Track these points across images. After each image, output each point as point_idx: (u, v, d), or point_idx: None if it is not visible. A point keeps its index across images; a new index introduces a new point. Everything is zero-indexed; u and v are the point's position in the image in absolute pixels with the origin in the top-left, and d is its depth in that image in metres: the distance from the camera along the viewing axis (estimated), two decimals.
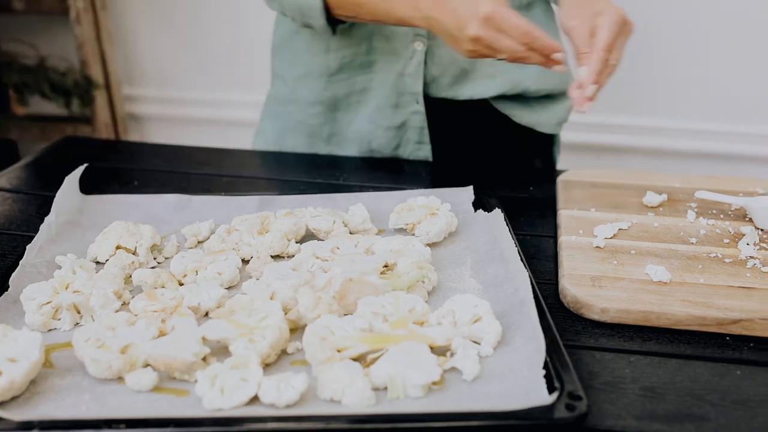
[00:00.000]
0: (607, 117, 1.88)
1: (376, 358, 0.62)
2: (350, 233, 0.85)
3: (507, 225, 0.82)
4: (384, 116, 1.11)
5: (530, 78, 1.08)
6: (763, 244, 0.83)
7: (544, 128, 1.15)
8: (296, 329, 0.69)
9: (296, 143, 1.17)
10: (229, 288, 0.76)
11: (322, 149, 1.16)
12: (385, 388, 0.60)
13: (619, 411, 0.60)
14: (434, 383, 0.61)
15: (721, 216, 0.90)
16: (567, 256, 0.80)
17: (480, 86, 1.08)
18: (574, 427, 0.56)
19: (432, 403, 0.59)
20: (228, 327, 0.64)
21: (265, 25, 1.94)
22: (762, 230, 0.86)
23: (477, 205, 0.91)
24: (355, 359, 0.63)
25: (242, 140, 1.90)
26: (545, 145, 1.20)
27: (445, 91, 1.09)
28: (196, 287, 0.73)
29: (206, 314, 0.71)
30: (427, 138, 1.12)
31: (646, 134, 1.90)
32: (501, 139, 1.15)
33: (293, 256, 0.81)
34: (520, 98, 1.11)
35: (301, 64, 1.11)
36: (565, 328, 0.71)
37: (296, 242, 0.83)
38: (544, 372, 0.60)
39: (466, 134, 1.15)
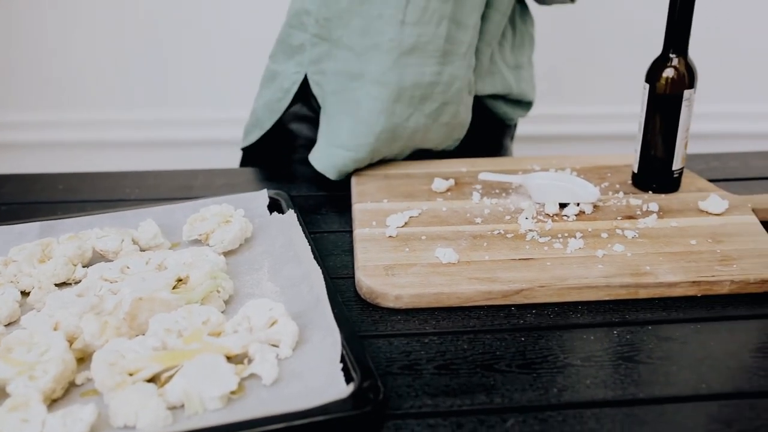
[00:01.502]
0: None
1: (171, 376, 0.60)
2: (141, 250, 0.82)
3: (301, 224, 0.83)
4: (446, 112, 1.05)
5: (516, 83, 1.14)
6: (540, 217, 0.89)
7: (510, 120, 1.21)
8: (86, 358, 0.65)
9: (346, 125, 1.04)
10: (8, 324, 0.71)
11: (367, 145, 1.03)
12: (183, 406, 0.59)
13: (416, 392, 0.62)
14: (233, 393, 0.60)
15: (503, 195, 0.96)
16: (361, 248, 0.82)
17: (490, 82, 1.10)
18: (372, 415, 0.57)
19: (232, 413, 0.58)
20: (4, 366, 0.60)
21: (71, 41, 1.83)
22: (539, 204, 0.92)
23: (272, 207, 0.91)
24: (150, 380, 0.61)
25: (28, 164, 1.77)
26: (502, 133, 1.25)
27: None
28: None
29: None
30: (464, 132, 1.10)
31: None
32: (485, 128, 1.18)
33: (80, 281, 0.77)
34: (504, 98, 1.16)
35: (373, 33, 1.00)
36: (363, 319, 0.73)
37: (83, 266, 0.79)
38: (341, 366, 0.61)
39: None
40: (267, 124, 1.15)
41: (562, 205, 0.91)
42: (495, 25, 1.07)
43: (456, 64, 1.02)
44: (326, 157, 1.04)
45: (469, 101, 1.08)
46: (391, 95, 1.01)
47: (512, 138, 1.29)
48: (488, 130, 1.20)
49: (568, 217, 0.89)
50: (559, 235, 0.84)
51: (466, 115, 1.08)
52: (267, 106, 1.15)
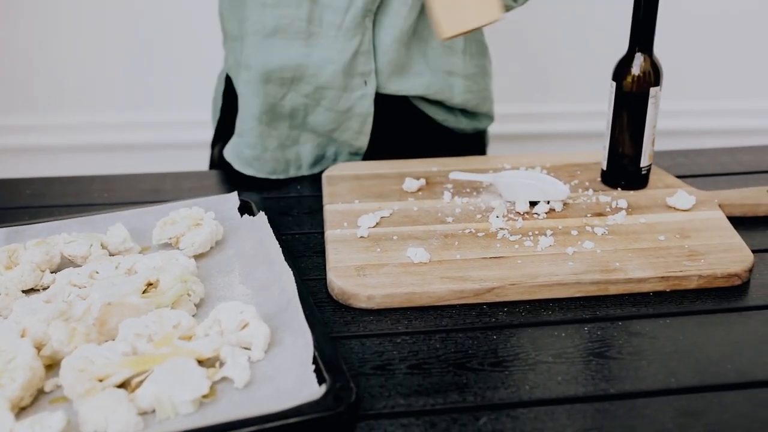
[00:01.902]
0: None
1: (142, 381, 0.60)
2: (110, 255, 0.81)
3: (271, 226, 0.83)
4: (326, 96, 1.03)
5: (451, 90, 1.09)
6: (511, 215, 0.89)
7: (461, 131, 1.16)
8: (55, 364, 0.64)
9: (239, 114, 1.08)
10: None
11: (253, 128, 1.05)
12: (154, 411, 0.58)
13: (388, 392, 0.62)
14: (205, 396, 0.60)
15: (474, 193, 0.96)
16: (332, 249, 0.81)
17: (406, 82, 1.07)
18: (345, 416, 0.57)
19: (204, 416, 0.58)
20: None
21: (36, 44, 1.81)
22: (509, 202, 0.93)
23: (243, 210, 0.90)
24: (121, 386, 0.60)
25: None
26: (472, 143, 1.21)
27: (382, 84, 1.05)
28: None
29: None
30: (369, 127, 1.07)
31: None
32: (428, 136, 1.15)
33: (49, 287, 0.76)
34: (442, 104, 1.12)
35: (243, 19, 1.02)
36: (335, 320, 0.73)
37: (51, 272, 0.78)
38: (313, 367, 0.61)
39: (395, 130, 1.12)
40: (213, 124, 1.22)
41: (533, 204, 0.92)
42: (401, 19, 1.02)
43: (326, 46, 1.01)
44: (229, 148, 1.10)
45: (366, 91, 1.05)
46: (260, 77, 1.02)
47: (481, 149, 1.24)
48: (439, 140, 1.16)
49: (539, 215, 0.89)
50: (530, 233, 0.85)
51: (355, 104, 1.05)
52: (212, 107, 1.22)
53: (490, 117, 1.19)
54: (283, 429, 0.56)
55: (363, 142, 1.09)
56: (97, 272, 0.75)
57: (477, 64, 1.13)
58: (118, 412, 0.56)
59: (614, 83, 0.94)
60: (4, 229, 0.86)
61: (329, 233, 0.85)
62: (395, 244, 0.82)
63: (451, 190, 0.97)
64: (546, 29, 1.84)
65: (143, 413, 0.58)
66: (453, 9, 0.74)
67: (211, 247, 0.84)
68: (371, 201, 0.94)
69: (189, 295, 0.72)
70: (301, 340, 0.64)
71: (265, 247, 0.80)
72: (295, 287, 0.70)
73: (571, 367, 0.65)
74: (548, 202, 0.91)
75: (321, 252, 0.85)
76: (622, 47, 0.94)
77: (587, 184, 0.99)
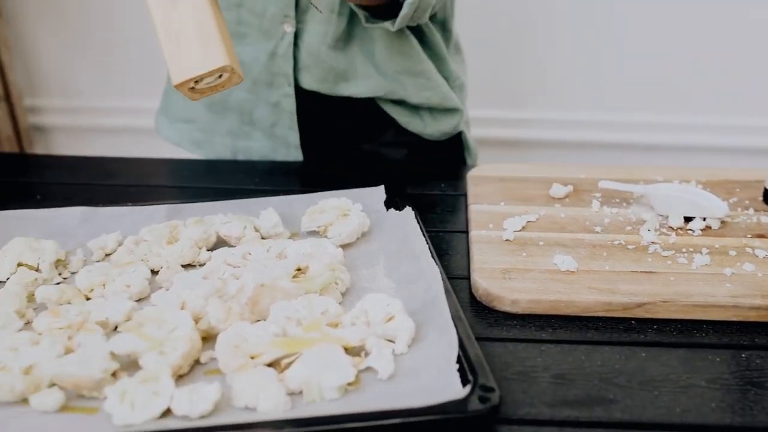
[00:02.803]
0: (511, 112, 1.93)
1: (291, 363, 0.62)
2: (262, 238, 0.84)
3: (418, 222, 0.83)
4: (261, 91, 1.10)
5: (405, 90, 1.10)
6: (663, 230, 0.86)
7: (429, 136, 1.16)
8: (209, 338, 0.67)
9: (180, 109, 1.18)
10: (139, 300, 0.74)
11: (202, 115, 1.16)
12: (301, 392, 0.60)
13: (531, 399, 0.61)
14: (350, 384, 0.61)
15: (624, 204, 0.93)
16: (477, 250, 0.81)
17: (356, 86, 1.09)
18: (487, 418, 0.57)
19: (348, 404, 0.59)
20: (137, 340, 0.63)
21: None
22: (662, 216, 0.89)
23: (389, 204, 0.91)
24: (269, 365, 0.62)
25: (154, 148, 1.86)
26: (449, 146, 1.21)
27: (325, 87, 1.08)
28: (103, 301, 0.71)
29: (115, 328, 0.69)
30: (295, 125, 1.12)
31: (550, 127, 1.94)
32: (400, 139, 1.16)
33: (204, 264, 0.79)
34: (406, 104, 1.13)
35: None
36: (478, 321, 0.72)
37: (207, 250, 0.82)
38: (457, 366, 0.61)
39: (355, 132, 1.16)
40: None
41: (687, 219, 0.88)
42: (332, 26, 1.03)
43: (253, 46, 1.06)
44: (175, 132, 1.20)
45: (289, 91, 1.08)
46: None
47: (458, 158, 1.23)
48: (409, 149, 1.18)
49: (694, 231, 0.86)
50: (684, 250, 0.81)
51: (281, 100, 1.10)
52: None
53: (458, 115, 1.16)
54: (426, 425, 0.56)
55: (294, 138, 1.13)
56: (250, 254, 0.78)
57: (426, 60, 1.11)
58: (269, 391, 0.58)
59: None
60: (165, 206, 0.91)
61: (474, 234, 0.85)
62: (541, 250, 0.81)
63: (600, 199, 0.94)
64: (714, 36, 1.76)
65: (291, 394, 0.60)
66: (180, 56, 0.73)
67: (357, 238, 0.85)
68: (517, 204, 0.92)
69: (336, 283, 0.73)
70: (445, 338, 0.64)
71: (410, 242, 0.80)
72: (442, 285, 0.70)
73: (726, 395, 0.61)
74: (704, 219, 0.87)
75: (463, 252, 0.85)
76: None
77: (747, 203, 0.93)
